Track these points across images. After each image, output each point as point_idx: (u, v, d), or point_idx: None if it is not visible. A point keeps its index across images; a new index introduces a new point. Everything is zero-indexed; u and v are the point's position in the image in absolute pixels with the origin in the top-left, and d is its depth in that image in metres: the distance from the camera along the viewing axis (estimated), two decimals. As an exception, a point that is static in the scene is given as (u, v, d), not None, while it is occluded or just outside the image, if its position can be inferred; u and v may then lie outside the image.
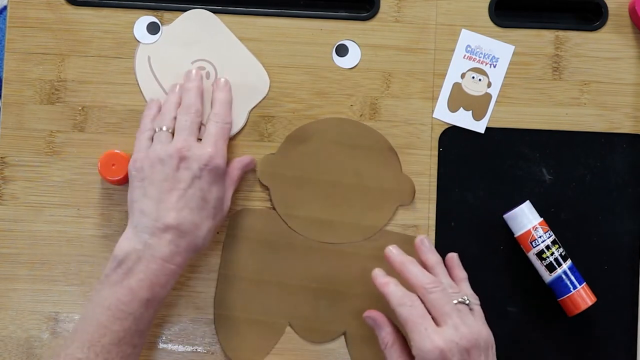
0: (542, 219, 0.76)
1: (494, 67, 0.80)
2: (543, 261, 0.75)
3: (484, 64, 0.80)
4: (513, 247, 0.78)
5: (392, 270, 0.72)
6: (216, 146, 0.72)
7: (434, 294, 0.69)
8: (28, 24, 0.79)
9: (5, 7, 0.89)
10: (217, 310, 0.77)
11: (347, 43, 0.80)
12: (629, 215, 0.79)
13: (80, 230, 0.78)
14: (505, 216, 0.77)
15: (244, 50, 0.78)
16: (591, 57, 0.80)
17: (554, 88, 0.80)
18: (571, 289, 0.75)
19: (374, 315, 0.73)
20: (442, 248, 0.78)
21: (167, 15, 0.79)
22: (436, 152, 0.79)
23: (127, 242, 0.70)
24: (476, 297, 0.73)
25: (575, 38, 0.80)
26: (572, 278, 0.75)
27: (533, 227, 0.75)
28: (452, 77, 0.79)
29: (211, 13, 0.78)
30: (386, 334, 0.72)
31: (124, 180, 0.77)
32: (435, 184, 0.79)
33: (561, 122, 0.80)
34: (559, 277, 0.75)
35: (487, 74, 0.80)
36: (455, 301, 0.69)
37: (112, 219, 0.78)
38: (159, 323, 0.78)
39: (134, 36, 0.78)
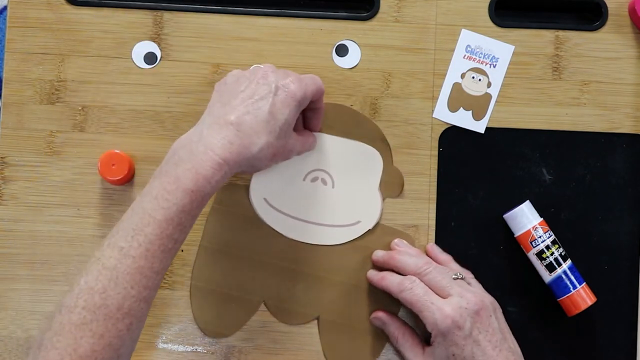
0: (542, 219, 0.76)
1: (494, 67, 0.80)
2: (543, 261, 0.75)
3: (484, 64, 0.80)
4: (513, 247, 0.78)
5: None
6: (300, 79, 0.71)
7: (430, 274, 0.73)
8: (28, 24, 0.79)
9: (5, 7, 0.89)
10: (194, 282, 0.77)
11: (347, 43, 0.80)
12: (629, 215, 0.79)
13: (80, 230, 0.78)
14: (505, 216, 0.77)
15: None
16: (591, 57, 0.80)
17: (554, 88, 0.80)
18: (571, 289, 0.75)
19: (380, 315, 0.77)
20: (441, 248, 0.78)
21: (167, 15, 0.79)
22: (436, 152, 0.79)
23: (185, 135, 0.69)
24: (468, 271, 0.76)
25: (575, 38, 0.80)
26: (572, 278, 0.75)
27: (533, 227, 0.75)
28: (452, 77, 0.79)
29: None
30: (395, 329, 0.76)
31: (124, 180, 0.77)
32: (435, 184, 0.79)
33: (561, 122, 0.80)
34: (559, 277, 0.75)
35: (487, 74, 0.80)
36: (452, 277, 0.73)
37: (112, 219, 0.78)
38: (159, 323, 0.78)
39: (133, 60, 0.79)
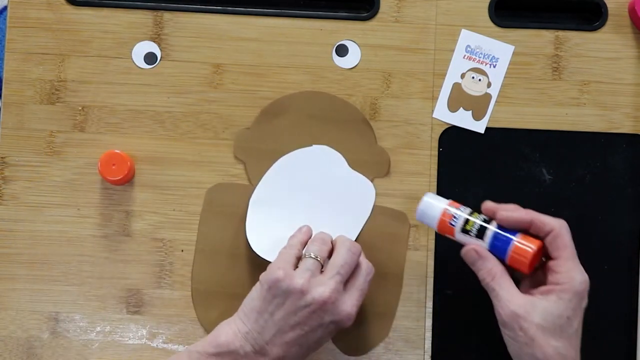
0: (449, 200, 0.73)
1: (494, 67, 0.80)
2: (470, 232, 0.71)
3: (484, 64, 0.80)
4: (513, 247, 0.78)
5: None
6: (357, 307, 0.70)
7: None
8: (28, 24, 0.79)
9: (5, 7, 0.89)
10: (194, 285, 0.78)
11: (347, 43, 0.80)
12: (629, 215, 0.79)
13: (80, 230, 0.78)
14: (418, 218, 0.73)
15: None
16: (591, 57, 0.80)
17: (553, 88, 0.80)
18: (512, 238, 0.70)
19: (477, 249, 0.70)
20: (441, 248, 0.78)
21: (167, 15, 0.79)
22: (436, 152, 0.79)
23: (234, 337, 0.69)
24: None
25: (575, 38, 0.80)
26: (506, 233, 0.70)
27: (445, 210, 0.72)
28: (452, 77, 0.80)
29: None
30: (493, 266, 0.70)
31: (124, 180, 0.77)
32: (435, 184, 0.79)
33: (561, 122, 0.80)
34: (495, 236, 0.70)
35: (487, 74, 0.80)
36: None
37: (112, 219, 0.78)
38: (159, 323, 0.78)
39: (133, 60, 0.79)
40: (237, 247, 0.78)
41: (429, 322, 0.78)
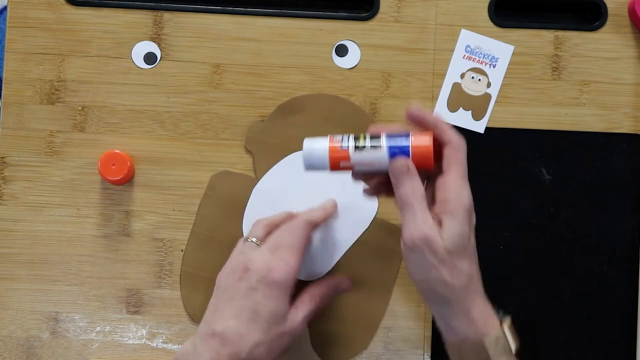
0: (328, 136, 0.67)
1: (494, 67, 0.80)
2: (365, 148, 0.65)
3: (484, 64, 0.80)
4: (513, 247, 0.78)
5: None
6: (280, 259, 0.69)
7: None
8: (28, 24, 0.79)
9: (5, 7, 0.89)
10: (184, 267, 0.78)
11: (347, 43, 0.80)
12: (629, 215, 0.79)
13: (80, 230, 0.78)
14: (307, 167, 0.66)
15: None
16: (591, 57, 0.80)
17: (553, 88, 0.80)
18: (408, 137, 0.65)
19: (409, 164, 0.65)
20: (442, 248, 0.78)
21: (167, 15, 0.79)
22: (436, 152, 0.79)
23: (185, 344, 0.70)
24: None
25: (575, 38, 0.80)
26: (397, 137, 0.65)
27: (330, 138, 0.66)
28: (451, 77, 0.80)
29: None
30: (419, 185, 0.65)
31: (124, 180, 0.77)
32: (435, 183, 0.79)
33: (561, 122, 0.80)
34: (390, 139, 0.65)
35: (486, 74, 0.80)
36: None
37: (112, 219, 0.78)
38: (159, 323, 0.78)
39: (132, 60, 0.79)
40: (232, 237, 0.77)
41: (428, 322, 0.78)
